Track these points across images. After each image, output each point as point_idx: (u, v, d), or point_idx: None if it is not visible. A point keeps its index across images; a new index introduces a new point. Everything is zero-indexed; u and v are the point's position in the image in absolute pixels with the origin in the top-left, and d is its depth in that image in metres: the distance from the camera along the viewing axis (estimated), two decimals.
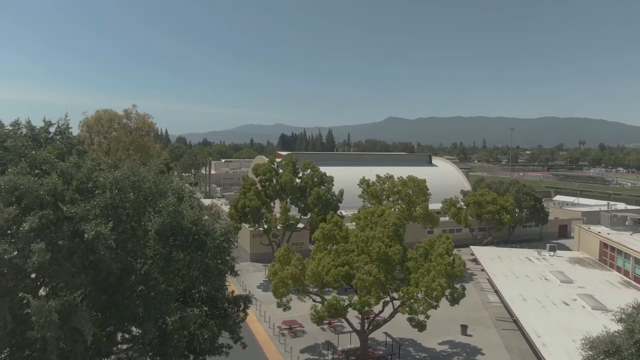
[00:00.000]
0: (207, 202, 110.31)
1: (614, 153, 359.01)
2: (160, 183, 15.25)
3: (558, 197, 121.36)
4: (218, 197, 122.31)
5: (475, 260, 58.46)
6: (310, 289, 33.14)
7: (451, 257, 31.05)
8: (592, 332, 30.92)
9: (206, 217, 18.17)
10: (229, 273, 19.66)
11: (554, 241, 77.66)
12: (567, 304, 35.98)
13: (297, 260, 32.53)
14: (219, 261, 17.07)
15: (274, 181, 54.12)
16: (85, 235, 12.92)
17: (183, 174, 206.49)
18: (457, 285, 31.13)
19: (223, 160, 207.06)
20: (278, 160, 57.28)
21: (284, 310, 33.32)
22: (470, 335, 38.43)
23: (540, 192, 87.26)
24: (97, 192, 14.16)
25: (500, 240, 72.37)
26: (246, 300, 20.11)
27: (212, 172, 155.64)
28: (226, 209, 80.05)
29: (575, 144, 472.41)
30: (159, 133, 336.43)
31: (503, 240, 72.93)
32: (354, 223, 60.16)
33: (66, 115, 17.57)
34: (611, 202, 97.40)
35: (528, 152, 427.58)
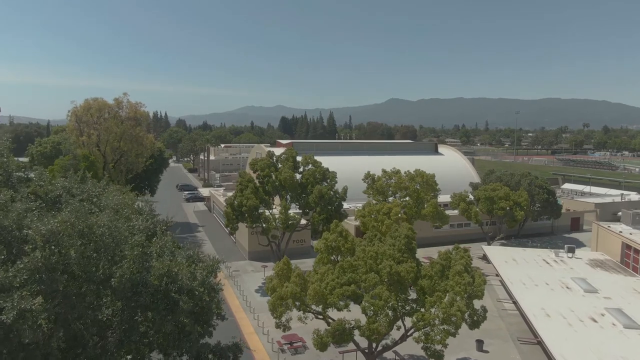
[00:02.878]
0: (205, 191, 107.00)
1: (619, 136, 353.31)
2: (116, 229, 11.67)
3: (567, 185, 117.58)
4: (217, 186, 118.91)
5: (485, 258, 55.10)
6: (313, 308, 29.80)
7: (470, 275, 27.64)
8: (629, 358, 27.90)
9: (181, 253, 14.62)
10: (215, 318, 16.29)
11: (567, 235, 74.35)
12: (595, 321, 32.63)
13: (297, 276, 29.12)
14: (198, 325, 13.45)
15: (273, 177, 50.43)
16: (3, 317, 9.42)
17: (182, 159, 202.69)
18: (478, 307, 27.75)
19: (222, 146, 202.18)
20: (277, 153, 53.46)
21: (284, 330, 30.12)
22: (487, 352, 35.20)
23: (548, 180, 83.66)
24: (27, 247, 10.57)
25: (511, 235, 68.86)
26: (236, 350, 16.69)
27: (211, 157, 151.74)
28: (222, 199, 76.73)
29: (578, 125, 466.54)
30: (159, 116, 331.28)
31: (514, 235, 69.42)
32: (357, 219, 57.13)
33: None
34: (624, 192, 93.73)
35: (531, 134, 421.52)
